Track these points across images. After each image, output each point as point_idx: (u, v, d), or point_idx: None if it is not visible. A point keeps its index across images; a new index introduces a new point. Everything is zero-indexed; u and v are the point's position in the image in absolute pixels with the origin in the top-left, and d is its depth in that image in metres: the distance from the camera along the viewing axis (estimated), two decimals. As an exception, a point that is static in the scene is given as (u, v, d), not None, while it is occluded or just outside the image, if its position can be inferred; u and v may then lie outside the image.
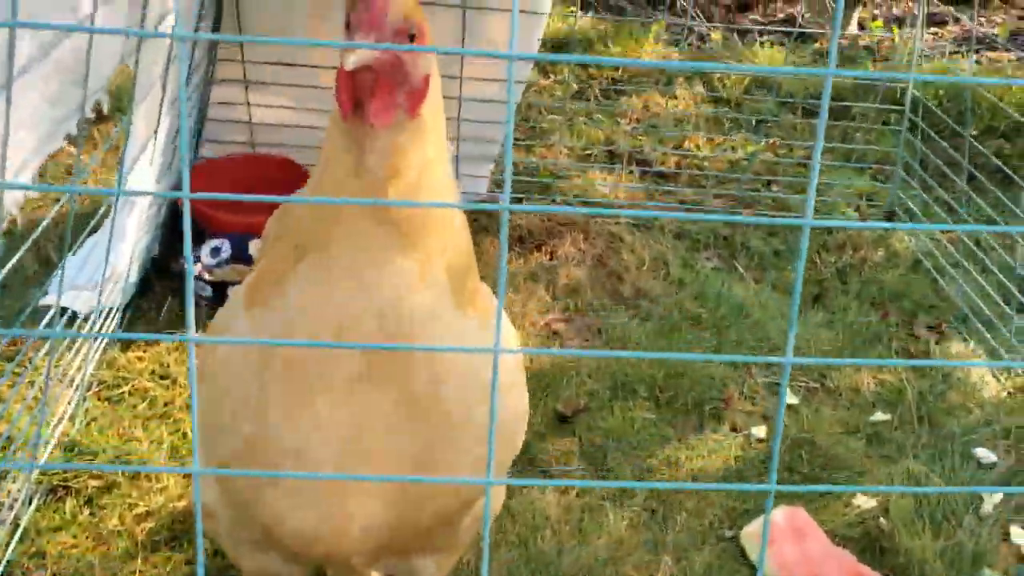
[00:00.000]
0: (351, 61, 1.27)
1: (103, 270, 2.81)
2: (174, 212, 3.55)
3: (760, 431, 2.93)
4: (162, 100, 2.69)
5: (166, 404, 2.85)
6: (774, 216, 4.18)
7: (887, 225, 0.93)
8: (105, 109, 2.15)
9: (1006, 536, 2.66)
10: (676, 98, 5.20)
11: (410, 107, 1.37)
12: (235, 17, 3.49)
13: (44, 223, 2.35)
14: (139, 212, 2.88)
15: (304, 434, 1.45)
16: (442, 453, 1.49)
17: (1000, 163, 4.27)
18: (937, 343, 3.45)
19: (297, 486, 1.50)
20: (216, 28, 3.47)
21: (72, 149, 3.22)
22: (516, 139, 4.63)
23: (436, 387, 1.46)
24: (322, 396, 1.43)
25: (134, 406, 2.83)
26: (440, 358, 1.46)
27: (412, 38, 1.35)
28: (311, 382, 1.44)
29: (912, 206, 4.14)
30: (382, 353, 1.43)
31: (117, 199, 2.68)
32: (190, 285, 0.91)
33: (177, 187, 3.56)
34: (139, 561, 2.34)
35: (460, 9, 3.43)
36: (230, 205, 3.57)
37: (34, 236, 2.30)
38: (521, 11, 3.49)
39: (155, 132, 2.77)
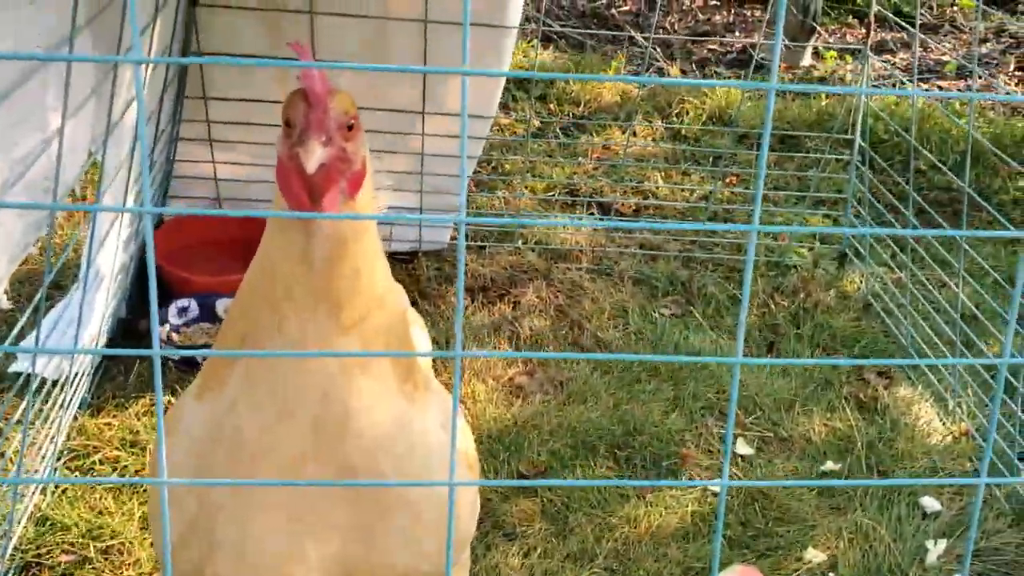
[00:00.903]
0: (313, 164, 1.36)
1: (75, 337, 2.86)
2: (141, 273, 3.59)
3: (717, 485, 3.04)
4: (128, 179, 2.74)
5: (137, 472, 2.90)
6: (730, 258, 4.30)
7: (831, 230, 1.03)
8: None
9: (950, 585, 2.79)
10: (636, 135, 5.32)
11: (351, 191, 1.48)
12: (200, 83, 3.55)
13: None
14: (107, 285, 2.94)
15: (249, 511, 1.52)
16: (380, 530, 1.56)
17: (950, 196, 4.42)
18: (886, 388, 3.59)
19: (242, 561, 1.56)
20: (180, 93, 3.53)
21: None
22: (479, 181, 4.72)
23: (374, 463, 1.54)
24: (267, 475, 1.50)
25: (105, 476, 2.88)
26: (378, 436, 1.54)
27: (351, 128, 1.45)
28: (256, 463, 1.51)
29: (861, 248, 4.27)
30: (326, 431, 1.50)
31: (87, 275, 2.73)
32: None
33: (143, 249, 3.61)
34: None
35: (420, 76, 3.51)
36: (197, 265, 3.63)
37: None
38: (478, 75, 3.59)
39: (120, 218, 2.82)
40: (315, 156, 1.36)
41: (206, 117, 3.65)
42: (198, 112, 3.64)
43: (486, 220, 1.09)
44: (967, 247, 3.82)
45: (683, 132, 5.38)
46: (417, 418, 1.60)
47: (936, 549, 2.87)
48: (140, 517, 2.75)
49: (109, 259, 2.83)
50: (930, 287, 3.97)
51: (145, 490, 2.84)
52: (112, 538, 2.67)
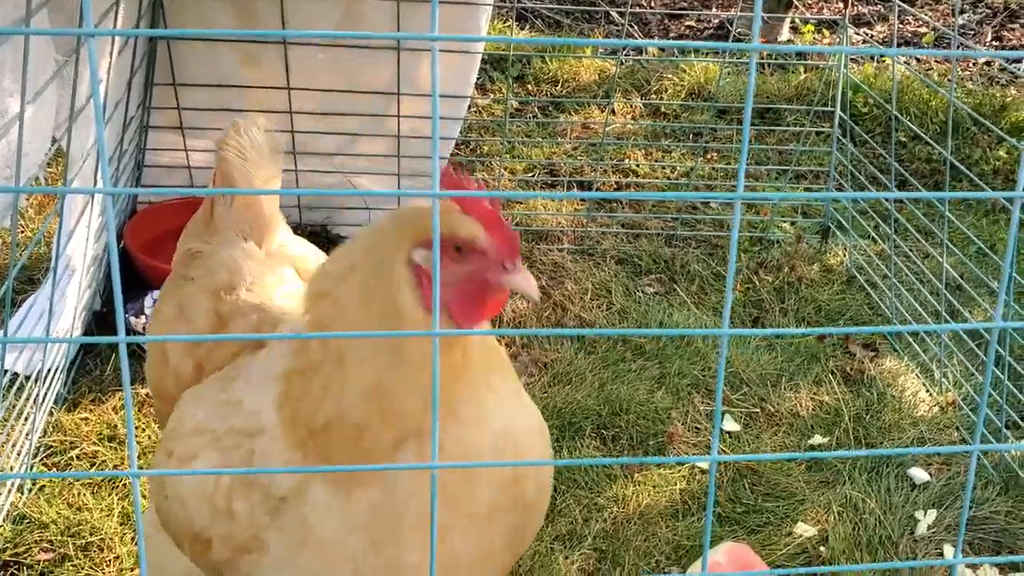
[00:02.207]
0: (535, 289, 1.54)
1: (47, 329, 2.80)
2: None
3: (706, 462, 3.02)
4: (96, 167, 2.68)
5: (116, 467, 2.85)
6: (713, 234, 4.27)
7: (809, 197, 0.99)
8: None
9: (940, 554, 2.78)
10: (615, 113, 5.27)
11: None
12: (169, 69, 3.47)
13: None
14: (79, 277, 2.87)
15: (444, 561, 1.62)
16: (529, 535, 1.79)
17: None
18: (872, 360, 3.57)
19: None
20: (149, 80, 3.45)
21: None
22: (458, 163, 4.67)
23: (539, 493, 1.74)
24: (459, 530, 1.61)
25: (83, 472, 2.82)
26: (543, 469, 1.74)
27: None
28: (448, 522, 1.59)
29: (844, 221, 4.25)
30: (508, 477, 1.64)
31: (56, 266, 2.66)
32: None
33: (119, 233, 3.53)
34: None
35: (395, 51, 3.45)
36: (169, 253, 3.55)
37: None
38: (453, 52, 3.53)
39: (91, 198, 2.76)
40: (531, 282, 1.53)
41: (176, 104, 3.58)
42: (168, 99, 3.57)
43: (461, 193, 1.05)
44: (951, 217, 3.80)
45: (662, 109, 5.34)
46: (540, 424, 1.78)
47: (926, 519, 2.86)
48: (120, 513, 2.69)
49: (80, 250, 2.76)
50: (914, 258, 3.95)
51: (125, 484, 2.79)
52: (91, 535, 2.62)
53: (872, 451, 1.60)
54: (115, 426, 2.98)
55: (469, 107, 5.21)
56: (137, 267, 3.50)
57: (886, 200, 4.00)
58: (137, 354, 3.25)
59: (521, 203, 4.39)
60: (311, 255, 2.20)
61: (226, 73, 3.50)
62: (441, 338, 1.41)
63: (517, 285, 1.51)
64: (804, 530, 2.79)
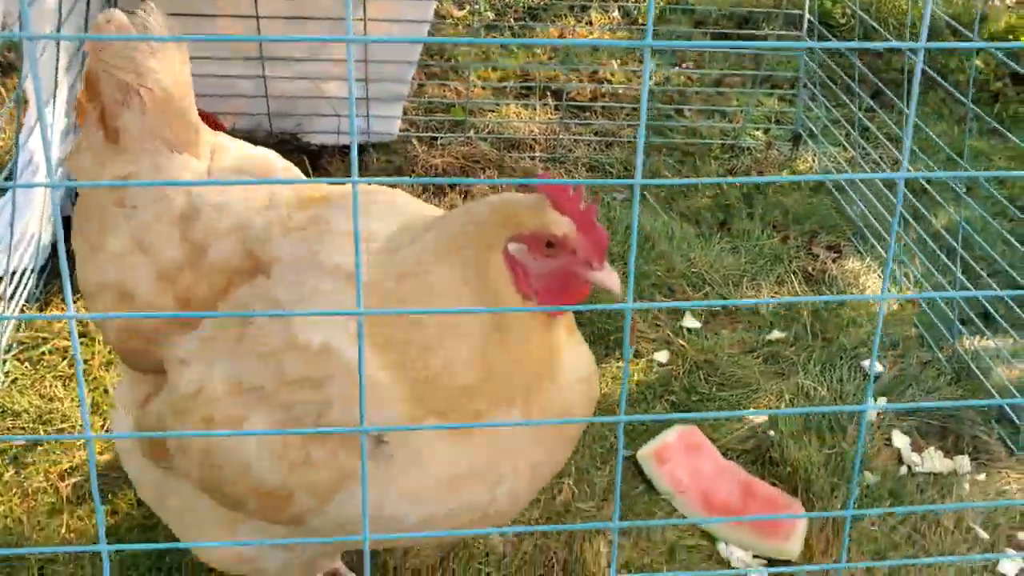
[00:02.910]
0: (617, 286, 1.66)
1: (11, 232, 2.85)
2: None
3: (662, 356, 3.09)
4: (56, 65, 2.69)
5: (87, 361, 2.92)
6: (684, 142, 4.29)
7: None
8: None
9: (888, 441, 2.87)
10: (592, 24, 5.24)
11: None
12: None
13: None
14: (43, 176, 2.90)
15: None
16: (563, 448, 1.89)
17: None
18: (834, 261, 3.63)
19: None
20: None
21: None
22: (432, 74, 4.66)
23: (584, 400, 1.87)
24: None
25: (54, 365, 2.90)
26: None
27: None
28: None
29: (814, 129, 4.27)
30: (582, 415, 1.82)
31: (16, 158, 2.70)
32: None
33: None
34: (65, 515, 2.45)
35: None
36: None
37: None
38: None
39: (54, 96, 2.78)
40: (615, 281, 1.66)
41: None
42: (135, 3, 3.55)
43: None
44: (920, 124, 3.83)
45: (639, 20, 5.31)
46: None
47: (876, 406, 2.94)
48: (90, 403, 2.77)
49: (42, 151, 2.79)
50: (884, 165, 3.98)
51: (95, 377, 2.86)
52: (63, 422, 2.70)
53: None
54: (85, 323, 3.05)
55: (445, 18, 5.19)
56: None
57: (856, 109, 4.02)
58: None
59: (493, 110, 4.40)
60: (257, 153, 2.03)
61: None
62: (546, 320, 1.69)
63: (601, 282, 1.65)
64: (754, 416, 2.88)
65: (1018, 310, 3.09)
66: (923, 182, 3.82)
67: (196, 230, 1.82)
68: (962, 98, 3.05)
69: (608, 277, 1.65)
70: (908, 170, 3.65)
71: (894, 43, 1.24)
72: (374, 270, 1.69)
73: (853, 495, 1.31)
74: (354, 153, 0.96)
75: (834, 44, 1.09)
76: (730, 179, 1.13)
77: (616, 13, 5.33)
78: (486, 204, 1.70)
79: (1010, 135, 3.53)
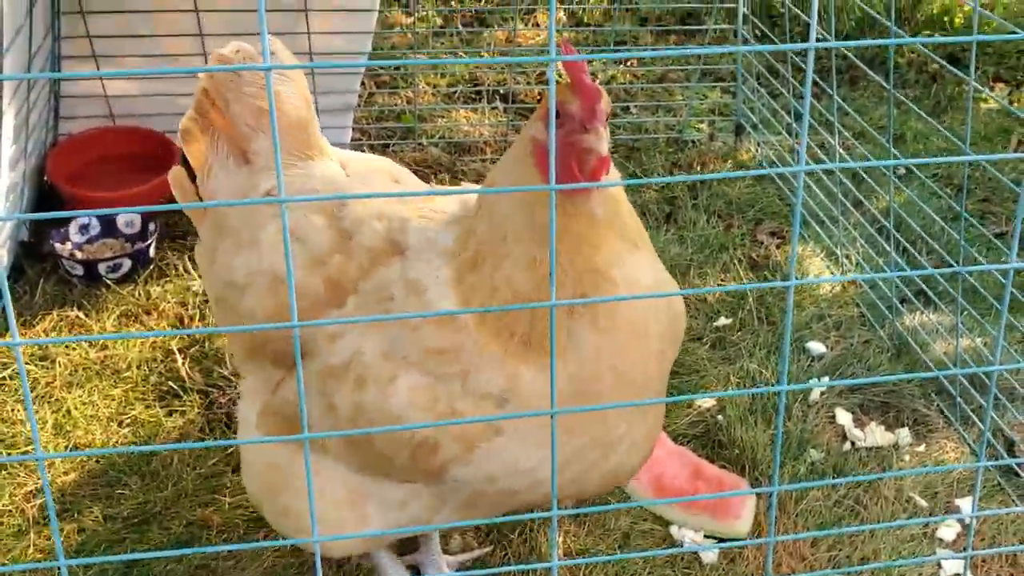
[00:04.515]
0: (605, 148, 1.69)
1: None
2: (40, 194, 3.60)
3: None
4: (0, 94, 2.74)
5: (48, 384, 2.96)
6: (630, 138, 4.38)
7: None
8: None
9: (832, 418, 2.98)
10: (539, 26, 5.33)
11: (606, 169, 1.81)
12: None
13: None
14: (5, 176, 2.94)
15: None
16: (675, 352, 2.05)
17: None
18: (778, 247, 3.74)
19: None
20: (56, 8, 3.48)
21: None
22: (382, 82, 4.73)
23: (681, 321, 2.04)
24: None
25: (15, 389, 2.94)
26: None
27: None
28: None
29: (755, 119, 4.38)
30: (666, 319, 1.92)
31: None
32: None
33: (40, 171, 3.60)
34: (32, 535, 2.50)
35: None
36: (93, 181, 3.63)
37: None
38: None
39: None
40: (606, 142, 1.68)
41: (86, 32, 3.60)
42: (77, 27, 3.60)
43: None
44: (847, 108, 3.94)
45: (585, 19, 5.40)
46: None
47: (819, 386, 3.05)
48: (52, 424, 2.82)
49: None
50: (820, 152, 4.09)
51: (58, 399, 2.91)
52: (27, 444, 2.75)
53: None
54: (45, 347, 3.09)
55: (392, 27, 5.26)
56: (62, 196, 3.57)
57: (791, 99, 4.13)
58: (66, 280, 3.35)
59: (443, 117, 4.47)
60: (375, 159, 2.30)
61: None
62: (566, 208, 1.71)
63: (587, 142, 1.65)
64: (703, 401, 2.98)
65: (951, 288, 3.22)
66: (861, 172, 3.93)
67: (344, 218, 2.02)
68: (883, 83, 3.16)
69: (594, 139, 1.65)
70: (808, 163, 3.78)
71: (786, 46, 1.33)
72: (464, 227, 1.90)
73: (775, 471, 1.39)
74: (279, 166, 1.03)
75: (722, 48, 1.18)
76: (631, 181, 1.21)
77: (561, 14, 5.41)
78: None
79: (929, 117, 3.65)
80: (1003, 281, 3.11)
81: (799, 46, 1.29)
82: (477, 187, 1.49)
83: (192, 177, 2.29)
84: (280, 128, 2.03)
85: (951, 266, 3.11)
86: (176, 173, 2.28)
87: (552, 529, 1.23)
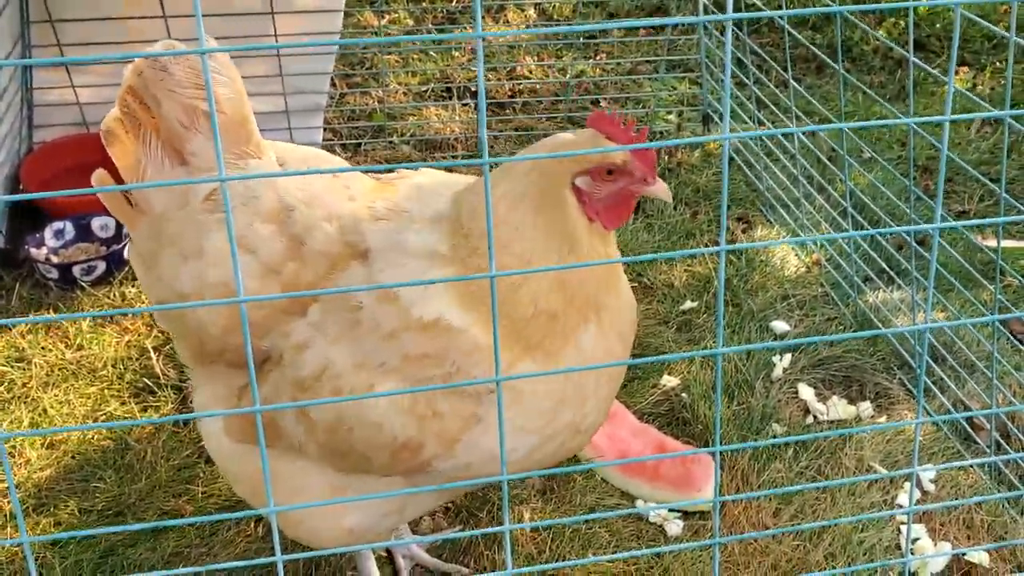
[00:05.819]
0: (668, 195, 1.99)
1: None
2: (14, 202, 3.64)
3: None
4: None
5: (24, 385, 3.01)
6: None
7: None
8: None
9: (795, 393, 3.04)
10: (509, 23, 5.39)
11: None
12: (43, 5, 3.55)
13: None
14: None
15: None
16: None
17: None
18: (744, 232, 3.80)
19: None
20: (24, 18, 3.53)
21: None
22: (353, 83, 4.79)
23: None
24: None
25: (-11, 390, 2.99)
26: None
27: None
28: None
29: (722, 108, 4.44)
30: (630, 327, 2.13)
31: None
32: None
33: (14, 179, 3.65)
34: (8, 532, 2.55)
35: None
36: (67, 188, 3.68)
37: None
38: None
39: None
40: (663, 188, 1.98)
41: (56, 40, 3.66)
42: (47, 36, 3.65)
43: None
44: (806, 96, 4.01)
45: (555, 16, 5.47)
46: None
47: (782, 363, 3.11)
48: (29, 423, 2.87)
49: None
50: (784, 140, 4.15)
51: (34, 399, 2.96)
52: (5, 442, 2.79)
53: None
54: (23, 348, 3.14)
55: (365, 28, 5.32)
56: (36, 203, 3.62)
57: (752, 87, 4.19)
58: (42, 284, 3.40)
59: (413, 115, 4.53)
60: (310, 152, 2.21)
61: (104, 7, 3.58)
62: (604, 234, 1.97)
63: (656, 193, 1.97)
64: (668, 380, 3.04)
65: (910, 266, 3.28)
66: (822, 156, 4.00)
67: (293, 223, 1.98)
68: (835, 65, 3.22)
69: (661, 188, 1.97)
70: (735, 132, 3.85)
71: (705, 18, 1.39)
72: (455, 235, 1.93)
73: (716, 431, 1.45)
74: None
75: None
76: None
77: (532, 11, 5.48)
78: (547, 149, 1.94)
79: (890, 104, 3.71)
80: (962, 261, 3.16)
81: (718, 17, 1.34)
82: (414, 164, 1.54)
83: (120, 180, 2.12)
84: (219, 126, 2.00)
85: (913, 245, 3.17)
86: (100, 176, 2.08)
87: (503, 494, 1.29)
